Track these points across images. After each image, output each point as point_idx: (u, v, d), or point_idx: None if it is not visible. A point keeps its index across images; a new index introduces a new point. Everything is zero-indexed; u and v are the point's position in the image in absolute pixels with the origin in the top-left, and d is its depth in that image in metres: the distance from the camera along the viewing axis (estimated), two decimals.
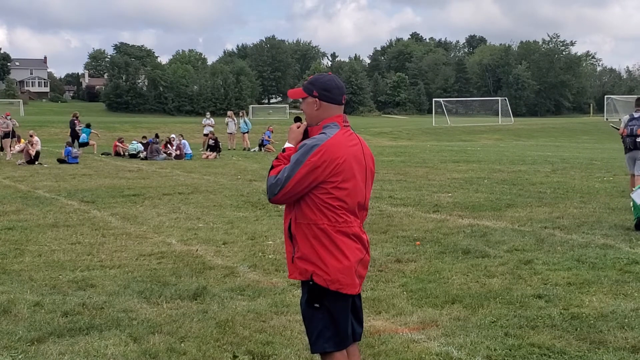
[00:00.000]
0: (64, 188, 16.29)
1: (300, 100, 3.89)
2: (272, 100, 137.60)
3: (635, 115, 12.07)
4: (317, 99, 3.76)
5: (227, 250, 8.98)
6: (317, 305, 3.68)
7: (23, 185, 16.94)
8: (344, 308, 3.73)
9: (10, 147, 26.97)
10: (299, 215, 3.70)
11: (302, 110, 3.89)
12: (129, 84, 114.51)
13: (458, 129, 57.09)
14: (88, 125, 31.25)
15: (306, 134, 3.83)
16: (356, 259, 3.70)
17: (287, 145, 3.82)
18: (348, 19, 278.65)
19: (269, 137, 33.31)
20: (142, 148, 27.91)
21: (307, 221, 3.66)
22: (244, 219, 11.49)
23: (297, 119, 3.95)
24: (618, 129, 12.95)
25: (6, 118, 28.13)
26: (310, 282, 3.67)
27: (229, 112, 35.98)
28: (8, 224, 11.00)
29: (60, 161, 24.57)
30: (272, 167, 3.73)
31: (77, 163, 24.44)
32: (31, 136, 24.89)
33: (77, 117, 30.93)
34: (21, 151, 24.94)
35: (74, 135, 30.13)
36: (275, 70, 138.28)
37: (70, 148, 25.18)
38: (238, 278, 7.49)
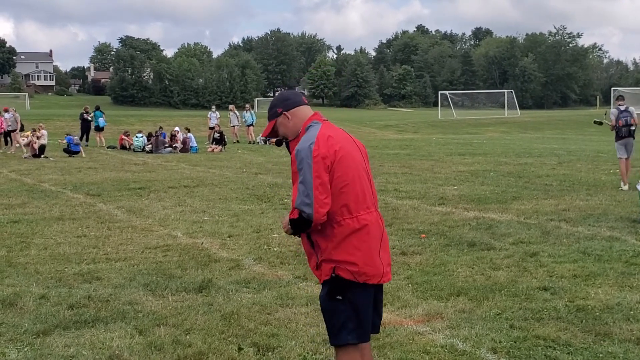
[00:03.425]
0: (69, 181, 16.32)
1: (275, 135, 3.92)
2: (277, 94, 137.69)
3: (621, 108, 14.42)
4: (284, 113, 3.81)
5: (232, 243, 8.99)
6: (339, 297, 3.66)
7: (29, 179, 16.99)
8: (367, 298, 3.72)
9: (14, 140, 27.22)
10: None
11: (282, 135, 3.90)
12: (135, 78, 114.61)
13: (464, 121, 56.93)
14: (98, 108, 31.60)
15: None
16: (376, 243, 3.71)
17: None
18: (354, 11, 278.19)
19: None
20: (146, 141, 27.98)
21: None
22: (250, 212, 11.50)
23: (279, 142, 4.02)
24: (602, 123, 15.68)
25: (15, 112, 28.32)
26: (333, 275, 3.65)
27: (230, 106, 36.06)
28: (14, 217, 11.04)
29: (67, 151, 24.75)
30: (290, 215, 3.68)
31: (79, 152, 24.89)
32: (36, 129, 24.96)
33: (87, 111, 31.14)
34: (27, 144, 25.02)
35: (86, 128, 30.48)
36: (280, 63, 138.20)
37: (70, 137, 25.52)
38: (243, 271, 7.49)
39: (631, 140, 14.32)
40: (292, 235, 3.80)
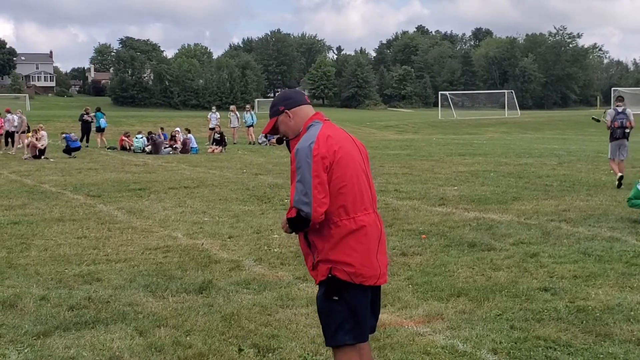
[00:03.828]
0: (69, 182, 16.33)
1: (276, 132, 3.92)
2: (280, 92, 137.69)
3: (619, 109, 14.73)
4: (286, 111, 3.82)
5: (232, 244, 8.99)
6: (336, 297, 3.66)
7: (29, 180, 16.99)
8: (364, 299, 3.72)
9: (17, 142, 27.34)
10: None
11: (283, 134, 3.91)
12: (135, 78, 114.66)
13: (464, 122, 56.94)
14: (99, 109, 31.79)
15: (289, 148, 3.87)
16: (373, 245, 3.71)
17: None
18: (355, 11, 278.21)
19: None
20: (146, 141, 27.99)
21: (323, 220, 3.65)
22: (250, 213, 11.50)
23: (280, 141, 4.02)
24: (599, 121, 15.90)
25: (21, 114, 28.43)
26: (329, 275, 3.65)
27: (231, 107, 36.07)
28: (14, 219, 11.04)
29: (67, 151, 24.91)
30: (287, 214, 3.69)
31: (79, 147, 25.54)
32: (36, 131, 25.00)
33: (87, 112, 31.23)
34: (27, 145, 25.04)
35: (86, 129, 30.56)
36: (280, 64, 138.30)
37: (68, 135, 25.85)
38: (243, 272, 7.49)
39: (624, 142, 14.71)
40: (291, 234, 3.81)
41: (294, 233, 3.76)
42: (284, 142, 3.94)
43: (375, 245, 3.73)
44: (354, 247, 3.63)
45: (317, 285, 3.78)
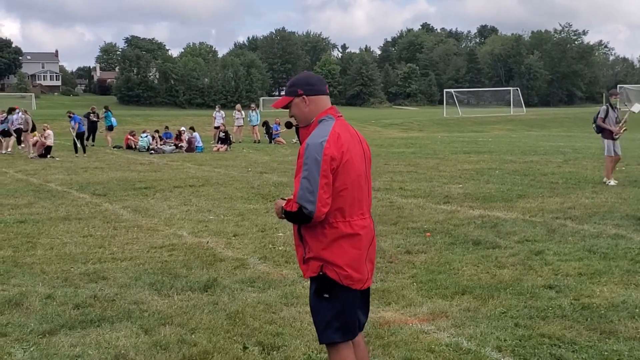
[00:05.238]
0: (75, 181, 16.37)
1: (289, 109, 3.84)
2: (282, 93, 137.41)
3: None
4: (304, 96, 3.73)
5: (237, 242, 9.01)
6: (326, 295, 3.68)
7: (35, 179, 17.04)
8: (353, 299, 3.74)
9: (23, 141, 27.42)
10: None
11: (292, 115, 3.83)
12: (140, 77, 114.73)
13: (469, 119, 56.84)
14: (108, 108, 31.90)
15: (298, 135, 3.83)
16: (364, 252, 3.72)
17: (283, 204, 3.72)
18: (360, 9, 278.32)
19: (277, 130, 33.33)
20: (151, 140, 28.03)
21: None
22: (255, 211, 11.51)
23: (289, 125, 3.95)
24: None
25: (26, 113, 28.48)
26: (321, 273, 3.66)
27: (237, 106, 36.13)
28: (20, 217, 11.08)
29: (79, 136, 25.64)
30: (286, 206, 3.65)
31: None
32: (44, 129, 25.06)
33: (93, 111, 31.28)
34: (34, 144, 25.10)
35: (92, 128, 30.63)
36: (285, 62, 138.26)
37: (78, 117, 26.52)
38: (248, 270, 7.51)
39: (601, 137, 14.77)
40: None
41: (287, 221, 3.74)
42: (294, 128, 3.88)
43: (366, 250, 3.74)
44: (347, 251, 3.64)
45: (303, 279, 3.81)
